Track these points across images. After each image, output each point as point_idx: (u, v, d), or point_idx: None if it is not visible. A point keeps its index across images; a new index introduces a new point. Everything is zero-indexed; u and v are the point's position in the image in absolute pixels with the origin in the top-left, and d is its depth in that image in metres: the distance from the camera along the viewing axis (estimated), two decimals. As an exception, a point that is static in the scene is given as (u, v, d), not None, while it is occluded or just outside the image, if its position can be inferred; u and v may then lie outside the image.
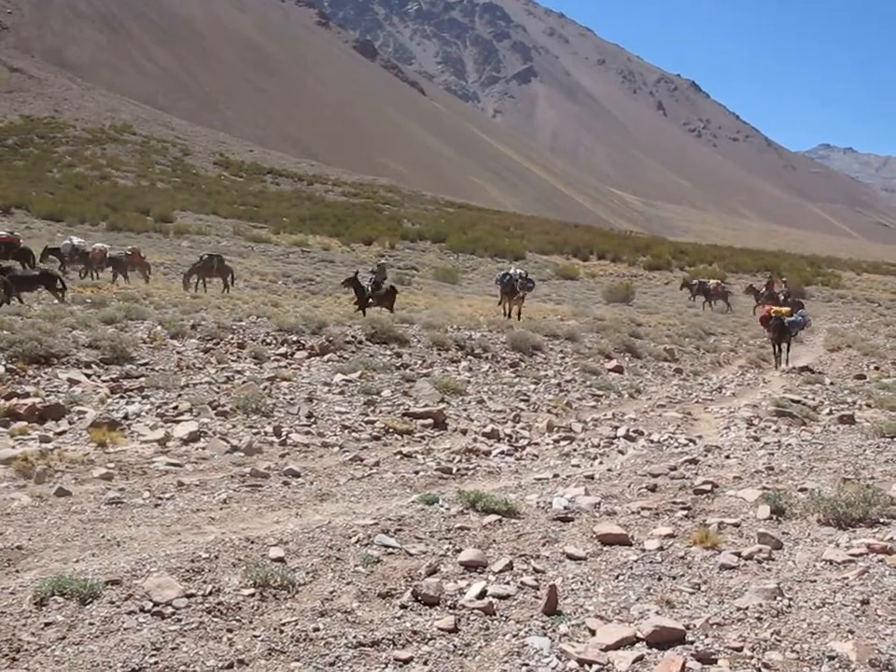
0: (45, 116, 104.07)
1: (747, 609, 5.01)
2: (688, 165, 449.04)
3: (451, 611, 5.05)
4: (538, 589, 5.41)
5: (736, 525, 6.63)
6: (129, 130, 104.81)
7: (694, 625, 4.82)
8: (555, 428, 12.03)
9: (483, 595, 5.25)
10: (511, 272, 24.55)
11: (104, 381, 11.75)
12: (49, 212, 49.27)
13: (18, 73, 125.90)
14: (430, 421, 11.51)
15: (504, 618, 5.01)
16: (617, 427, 12.28)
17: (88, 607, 4.88)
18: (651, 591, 5.39)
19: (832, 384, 17.31)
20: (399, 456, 9.77)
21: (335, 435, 10.51)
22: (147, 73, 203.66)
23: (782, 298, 35.07)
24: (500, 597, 5.26)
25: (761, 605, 5.04)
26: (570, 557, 6.00)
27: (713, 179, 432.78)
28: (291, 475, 8.51)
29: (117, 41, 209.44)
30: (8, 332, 12.65)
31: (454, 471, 9.19)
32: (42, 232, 39.11)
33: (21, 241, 27.91)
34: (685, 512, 7.05)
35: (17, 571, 5.52)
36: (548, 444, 11.21)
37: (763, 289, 36.91)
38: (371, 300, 22.07)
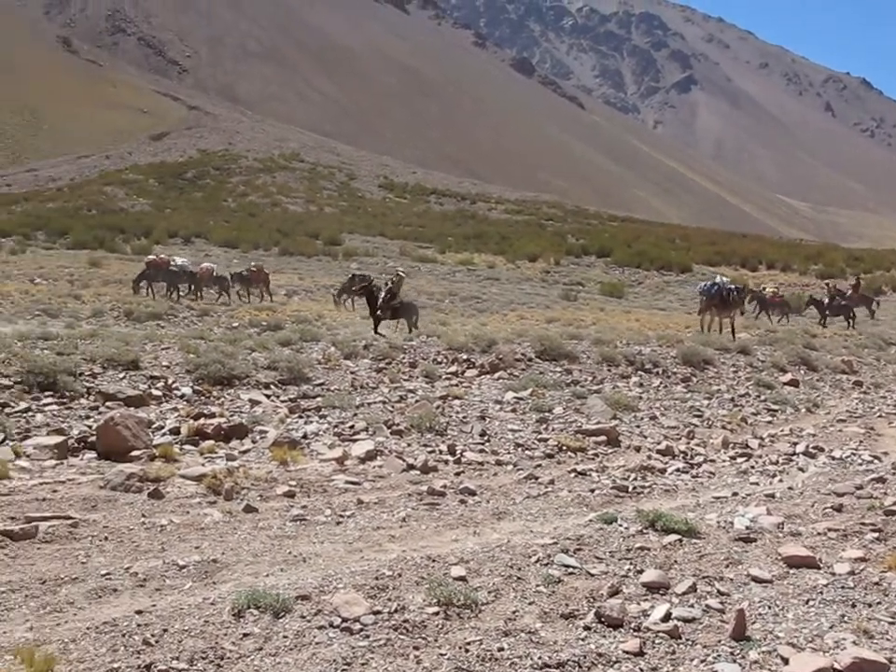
0: (219, 149, 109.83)
1: (956, 642, 4.73)
2: (861, 168, 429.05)
3: (635, 634, 4.97)
4: (723, 612, 5.26)
5: (936, 550, 6.27)
6: (297, 157, 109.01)
7: (898, 658, 4.59)
8: (731, 445, 11.68)
9: (667, 617, 5.14)
10: (718, 280, 22.48)
11: (282, 401, 12.22)
12: (225, 239, 51.84)
13: (195, 110, 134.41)
14: (603, 438, 11.38)
15: (690, 642, 4.90)
16: (796, 443, 11.78)
17: (281, 620, 5.06)
18: (846, 618, 5.15)
19: None
20: (573, 474, 9.67)
21: (509, 453, 10.53)
22: (312, 101, 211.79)
23: (826, 301, 32.82)
24: (685, 620, 5.13)
25: (973, 638, 4.74)
26: (755, 580, 5.81)
27: (889, 181, 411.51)
28: (467, 493, 8.55)
29: (282, 73, 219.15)
30: (194, 356, 13.34)
31: (629, 489, 9.03)
32: (220, 259, 41.04)
33: (171, 263, 30.48)
34: (876, 535, 6.71)
35: (214, 583, 5.79)
36: (724, 461, 10.88)
37: (849, 291, 34.49)
38: (381, 310, 20.50)
